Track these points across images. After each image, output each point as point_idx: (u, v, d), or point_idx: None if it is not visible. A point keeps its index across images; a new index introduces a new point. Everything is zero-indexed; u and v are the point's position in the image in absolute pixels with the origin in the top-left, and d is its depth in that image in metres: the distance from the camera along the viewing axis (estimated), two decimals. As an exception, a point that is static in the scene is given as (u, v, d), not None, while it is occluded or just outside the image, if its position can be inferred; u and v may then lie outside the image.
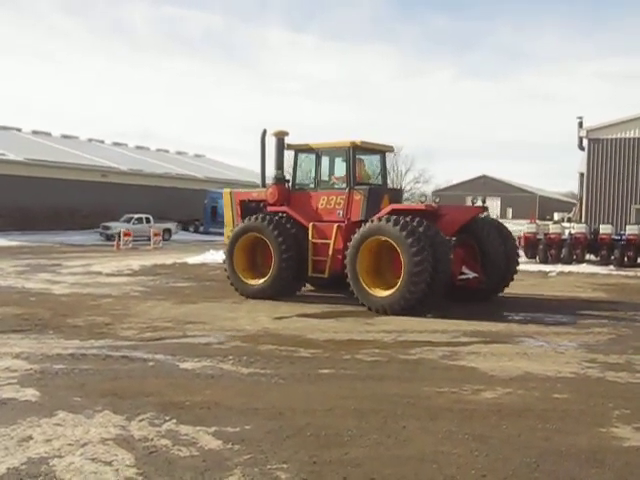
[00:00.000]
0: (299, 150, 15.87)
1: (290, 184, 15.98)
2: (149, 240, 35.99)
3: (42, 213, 42.80)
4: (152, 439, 5.86)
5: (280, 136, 15.76)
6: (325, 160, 15.71)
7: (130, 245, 34.44)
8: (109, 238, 38.22)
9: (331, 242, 14.52)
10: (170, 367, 8.56)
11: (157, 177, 52.86)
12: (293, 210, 15.32)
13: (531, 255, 27.91)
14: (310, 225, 14.87)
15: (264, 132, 15.92)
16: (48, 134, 57.30)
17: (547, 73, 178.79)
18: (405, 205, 15.16)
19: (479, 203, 15.14)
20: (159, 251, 32.69)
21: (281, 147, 15.79)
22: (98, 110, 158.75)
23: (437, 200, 14.95)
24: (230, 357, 9.09)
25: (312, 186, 15.62)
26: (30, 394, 7.17)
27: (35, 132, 56.47)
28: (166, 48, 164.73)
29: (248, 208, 16.51)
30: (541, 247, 27.51)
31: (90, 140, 61.23)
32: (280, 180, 15.85)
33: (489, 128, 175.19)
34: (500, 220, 19.24)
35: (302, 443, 5.84)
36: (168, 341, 10.23)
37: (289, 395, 7.35)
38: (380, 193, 15.12)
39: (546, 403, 7.24)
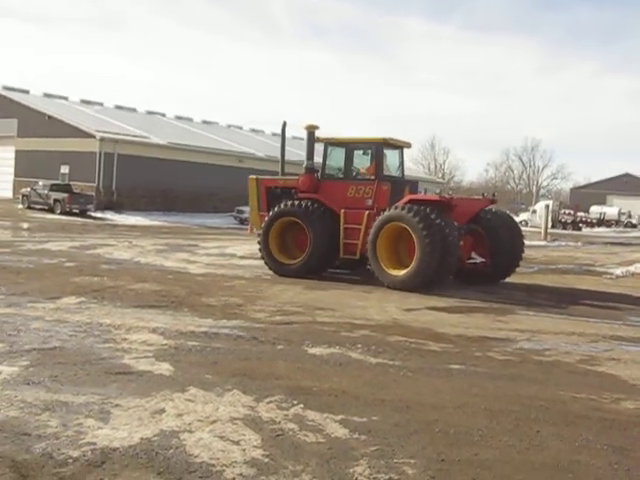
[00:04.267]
0: (329, 143, 17.09)
1: (319, 174, 17.03)
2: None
3: (182, 195, 44.45)
4: (279, 422, 5.86)
5: (311, 129, 17.05)
6: (355, 153, 16.95)
7: (263, 230, 35.05)
8: (242, 222, 39.23)
9: (362, 227, 15.84)
10: (299, 352, 8.59)
11: (292, 164, 53.58)
12: (324, 197, 16.53)
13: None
14: (342, 212, 16.13)
15: (284, 124, 17.76)
16: (190, 119, 59.49)
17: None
18: (422, 195, 17.39)
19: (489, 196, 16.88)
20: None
21: (312, 140, 17.07)
22: (238, 97, 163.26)
23: (451, 192, 17.51)
24: (359, 346, 9.02)
25: (341, 176, 16.94)
26: (164, 368, 7.38)
27: (178, 117, 58.78)
28: (303, 37, 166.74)
29: (274, 194, 17.68)
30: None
31: (229, 126, 63.05)
32: (310, 170, 17.07)
33: (634, 124, 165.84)
34: None
35: (430, 439, 5.67)
36: (297, 326, 10.30)
37: (417, 388, 7.20)
38: (402, 184, 16.84)
39: (696, 418, 6.71)
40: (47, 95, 51.40)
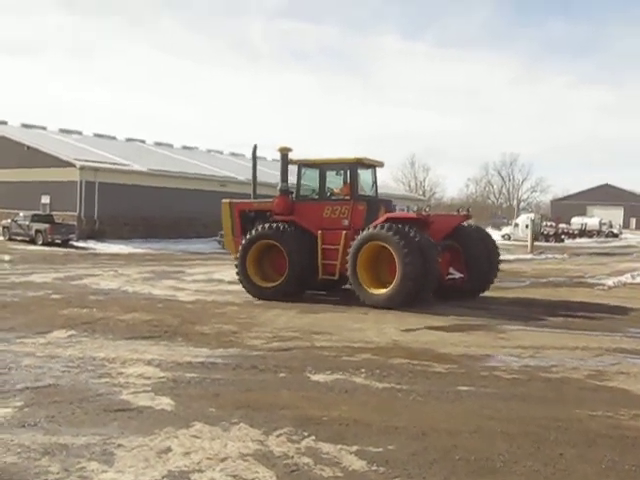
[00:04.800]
0: (302, 165, 17.12)
1: (294, 195, 17.09)
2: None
3: (164, 221, 44.02)
4: (292, 456, 5.60)
5: (285, 152, 17.11)
6: (328, 174, 17.00)
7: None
8: (227, 247, 38.79)
9: (340, 247, 15.87)
10: (302, 379, 8.32)
11: (273, 187, 53.41)
12: (299, 219, 16.51)
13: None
14: (319, 232, 16.17)
15: (254, 147, 17.84)
16: (170, 145, 59.16)
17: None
18: (399, 214, 17.28)
19: (464, 212, 16.95)
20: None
21: (285, 161, 17.08)
22: (219, 122, 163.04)
23: (428, 209, 17.87)
24: (362, 370, 8.77)
25: (316, 197, 17.00)
26: (165, 403, 7.09)
27: (158, 143, 58.44)
28: (282, 61, 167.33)
29: (247, 218, 17.75)
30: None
31: (209, 151, 62.80)
32: (285, 191, 17.11)
33: (609, 136, 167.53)
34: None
35: (452, 468, 5.43)
36: (296, 351, 10.03)
37: (430, 413, 6.95)
38: (377, 203, 16.93)
39: None
40: (25, 125, 50.93)
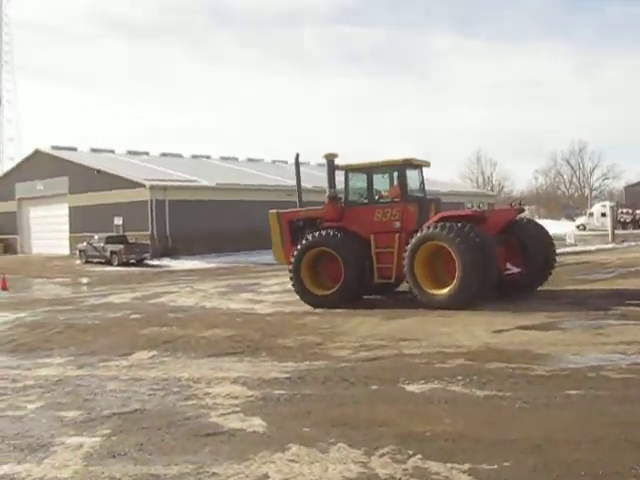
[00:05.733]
0: (349, 170, 16.89)
1: (343, 201, 16.82)
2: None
3: (233, 235, 44.11)
4: (400, 478, 5.15)
5: (330, 158, 16.76)
6: (376, 177, 16.82)
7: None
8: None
9: (395, 250, 15.60)
10: (396, 391, 7.87)
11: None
12: (350, 224, 16.26)
13: None
14: (372, 236, 15.92)
15: (297, 156, 17.82)
16: (235, 159, 59.57)
17: None
18: (453, 212, 16.45)
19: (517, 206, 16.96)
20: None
21: (332, 168, 16.78)
22: (280, 132, 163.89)
23: (482, 205, 16.58)
24: (459, 377, 8.25)
25: (365, 201, 16.74)
26: (257, 424, 6.73)
27: (223, 158, 58.91)
28: (338, 66, 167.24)
29: (296, 227, 17.47)
30: None
31: (274, 161, 62.97)
32: (334, 198, 16.82)
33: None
34: None
35: (579, 485, 4.89)
36: (385, 361, 9.58)
37: (541, 422, 6.39)
38: (427, 203, 16.68)
39: None
40: (94, 150, 52.02)
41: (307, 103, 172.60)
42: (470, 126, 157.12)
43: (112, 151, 53.11)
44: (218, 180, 45.98)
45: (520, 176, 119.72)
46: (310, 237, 16.43)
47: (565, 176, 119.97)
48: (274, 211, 18.40)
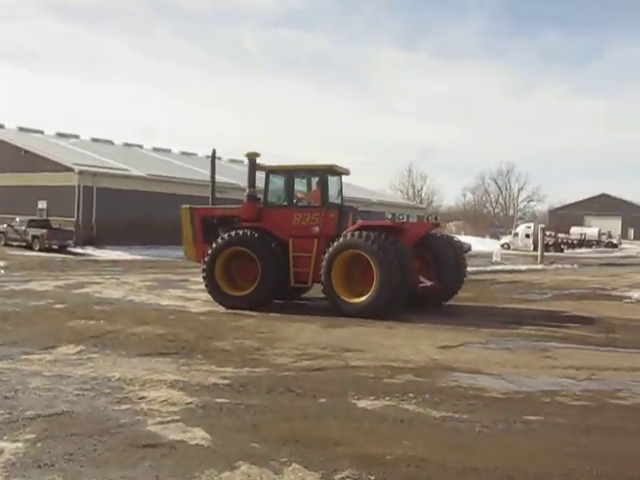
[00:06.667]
0: (271, 171, 16.62)
1: (262, 202, 16.51)
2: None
3: (163, 228, 42.95)
4: (365, 509, 4.67)
5: (252, 157, 16.56)
6: (297, 180, 16.64)
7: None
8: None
9: (313, 255, 15.49)
10: (346, 406, 7.38)
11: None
12: (268, 225, 16.01)
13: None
14: (290, 240, 15.71)
15: (213, 152, 18.00)
16: (168, 151, 58.27)
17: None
18: (373, 222, 17.00)
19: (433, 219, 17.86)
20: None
21: (253, 167, 16.62)
22: (215, 129, 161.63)
23: (400, 217, 17.45)
24: (410, 395, 7.84)
25: (285, 204, 16.43)
26: (200, 436, 6.14)
27: (156, 149, 57.54)
28: (276, 69, 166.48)
29: (209, 224, 17.17)
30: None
31: (208, 157, 61.80)
32: (253, 198, 16.54)
33: (606, 146, 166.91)
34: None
35: (560, 526, 4.51)
36: (331, 372, 9.11)
37: (506, 450, 6.03)
38: (346, 211, 16.55)
39: None
40: (22, 129, 49.96)
41: (250, 102, 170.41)
42: (404, 138, 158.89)
43: (41, 132, 51.16)
44: (150, 171, 44.75)
45: (449, 192, 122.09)
46: (226, 236, 15.97)
47: (492, 195, 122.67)
48: (187, 206, 17.95)
